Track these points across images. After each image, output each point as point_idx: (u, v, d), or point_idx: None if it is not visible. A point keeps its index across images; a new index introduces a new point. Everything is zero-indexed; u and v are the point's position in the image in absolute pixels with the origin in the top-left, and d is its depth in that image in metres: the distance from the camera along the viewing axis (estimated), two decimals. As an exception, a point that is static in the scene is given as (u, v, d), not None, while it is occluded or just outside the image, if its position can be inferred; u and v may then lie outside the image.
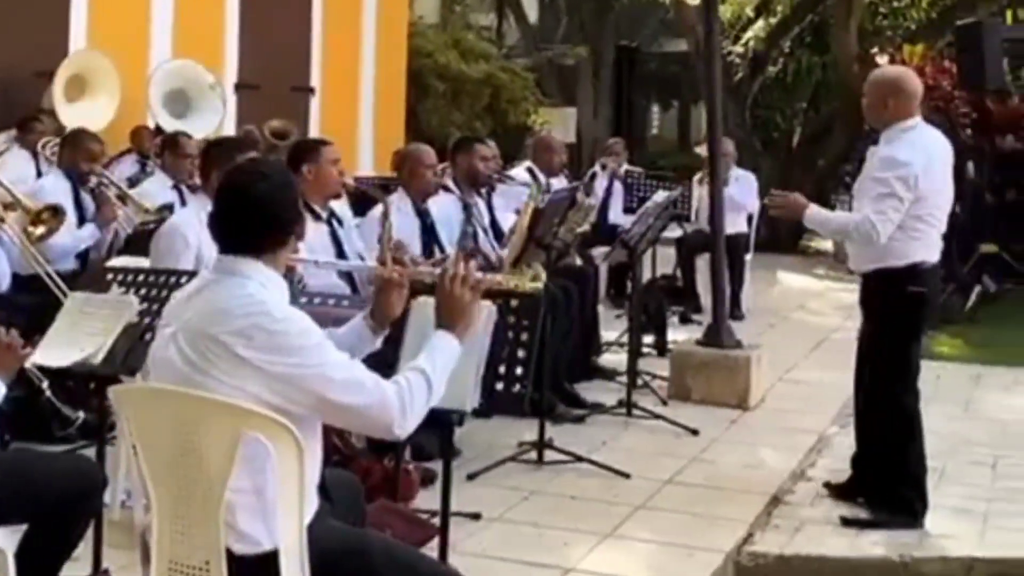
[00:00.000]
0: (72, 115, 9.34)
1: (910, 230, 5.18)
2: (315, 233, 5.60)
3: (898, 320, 5.30)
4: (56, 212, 6.46)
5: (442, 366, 3.14)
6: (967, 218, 11.27)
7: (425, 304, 3.49)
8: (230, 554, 2.95)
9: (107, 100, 9.86)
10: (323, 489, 3.21)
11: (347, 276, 5.79)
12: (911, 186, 5.11)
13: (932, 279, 5.35)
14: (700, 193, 9.81)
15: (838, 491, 5.69)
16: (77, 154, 7.01)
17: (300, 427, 2.99)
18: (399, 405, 3.01)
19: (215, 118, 10.67)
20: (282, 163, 3.46)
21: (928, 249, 5.28)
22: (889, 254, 5.21)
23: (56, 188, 6.85)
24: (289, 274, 3.43)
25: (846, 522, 5.35)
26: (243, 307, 2.97)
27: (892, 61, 13.97)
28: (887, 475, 5.40)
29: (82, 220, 6.93)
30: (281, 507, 2.95)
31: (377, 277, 3.45)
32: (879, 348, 5.39)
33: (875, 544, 5.16)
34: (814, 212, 5.45)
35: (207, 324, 2.97)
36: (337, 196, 5.98)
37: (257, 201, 3.07)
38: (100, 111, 9.71)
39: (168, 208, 7.18)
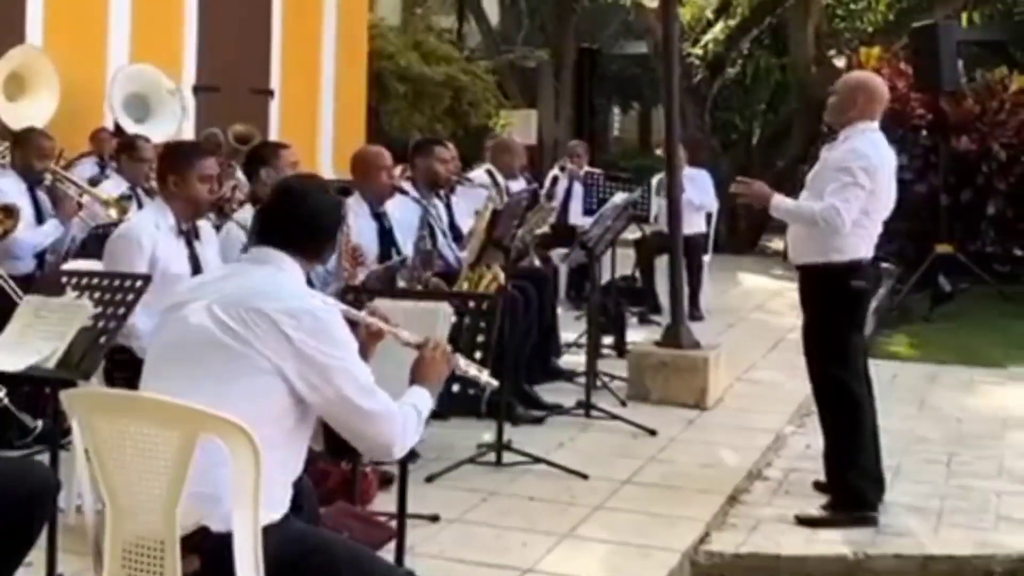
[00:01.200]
0: (13, 114, 9.25)
1: (856, 226, 5.32)
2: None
3: (840, 313, 5.44)
4: (10, 212, 6.42)
5: (423, 413, 3.33)
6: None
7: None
8: (207, 531, 2.99)
9: (48, 96, 9.75)
10: (296, 495, 3.23)
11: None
12: (871, 177, 5.27)
13: (870, 274, 5.52)
14: (660, 203, 9.78)
15: (828, 489, 5.74)
16: (29, 153, 6.97)
17: (299, 427, 3.13)
18: (402, 423, 3.20)
19: (174, 123, 10.61)
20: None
21: (868, 246, 5.45)
22: (833, 249, 5.36)
23: (11, 190, 6.80)
24: None
25: (800, 521, 5.40)
26: (293, 291, 3.16)
27: (849, 63, 14.09)
28: (839, 466, 5.47)
29: (40, 219, 6.90)
30: (236, 506, 2.95)
31: (363, 328, 3.53)
32: (823, 341, 5.51)
33: (830, 542, 5.20)
34: (779, 200, 5.56)
35: (253, 299, 3.09)
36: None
37: (311, 207, 3.30)
38: (41, 108, 9.60)
39: (127, 198, 7.17)
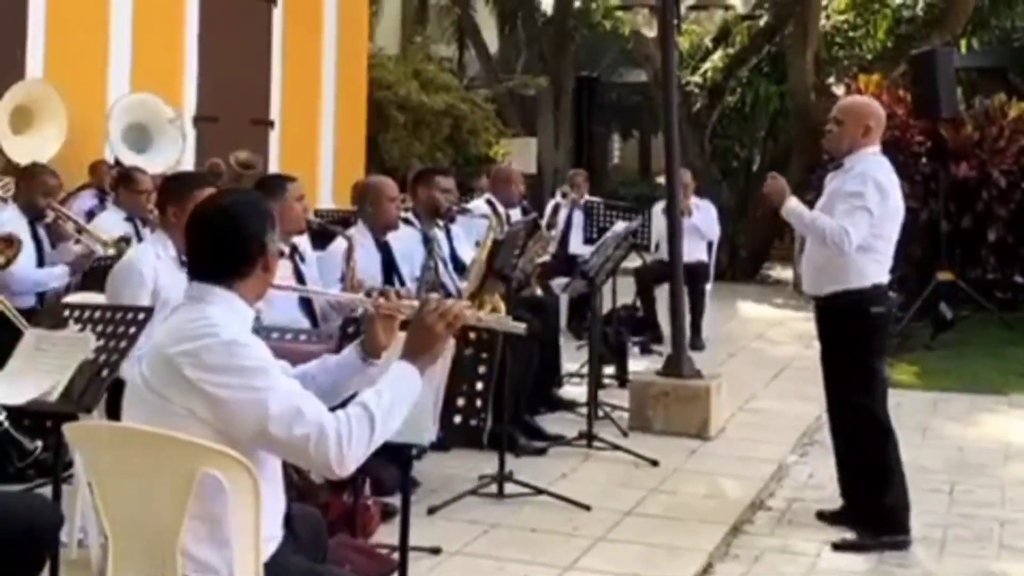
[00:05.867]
0: (18, 147, 9.23)
1: (871, 251, 5.36)
2: (278, 269, 5.58)
3: (862, 340, 5.43)
4: (11, 242, 6.43)
5: (395, 399, 3.06)
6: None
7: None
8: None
9: (55, 132, 9.73)
10: (288, 523, 3.21)
11: (307, 309, 5.79)
12: (882, 200, 5.30)
13: (888, 299, 5.53)
14: (661, 231, 9.75)
15: (832, 518, 5.74)
16: (34, 189, 6.99)
17: (260, 460, 3.00)
18: (336, 440, 2.92)
19: (174, 152, 10.61)
20: (249, 196, 3.40)
21: (884, 269, 5.46)
22: (851, 275, 5.38)
23: (12, 223, 6.81)
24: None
25: (836, 547, 5.40)
26: (196, 328, 2.99)
27: (848, 90, 14.10)
28: (874, 492, 5.47)
29: (40, 254, 6.90)
30: (237, 542, 2.95)
31: (364, 309, 3.43)
32: (845, 369, 5.50)
33: (833, 572, 5.19)
34: (794, 204, 5.58)
35: (164, 345, 3.00)
36: (300, 232, 5.98)
37: (211, 233, 3.13)
38: (48, 143, 9.59)
39: (126, 240, 7.16)
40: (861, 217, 5.28)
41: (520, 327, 3.44)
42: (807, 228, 5.54)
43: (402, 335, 3.30)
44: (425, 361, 3.17)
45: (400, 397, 3.08)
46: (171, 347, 2.97)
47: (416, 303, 3.32)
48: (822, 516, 5.78)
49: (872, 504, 5.48)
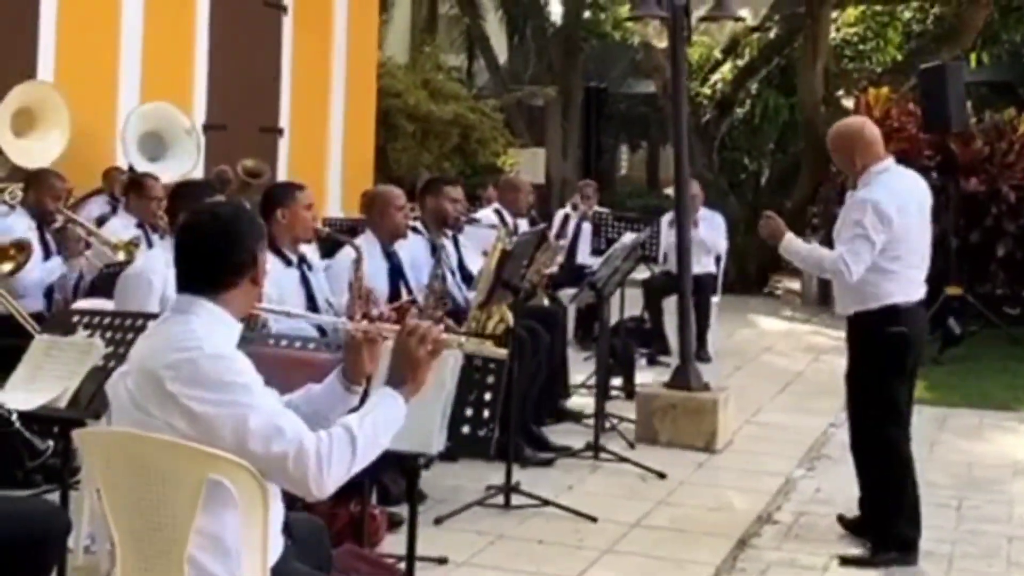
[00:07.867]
0: (21, 150, 9.20)
1: (886, 272, 5.32)
2: (285, 277, 5.60)
3: (880, 360, 5.41)
4: (22, 247, 6.45)
5: (379, 425, 3.03)
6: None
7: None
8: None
9: (58, 135, 9.67)
10: (287, 529, 3.21)
11: (316, 318, 5.78)
12: (884, 226, 5.24)
13: (913, 318, 5.45)
14: (669, 242, 9.74)
15: (852, 526, 5.75)
16: (43, 193, 7.00)
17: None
18: (315, 460, 2.91)
19: (189, 162, 10.58)
20: (242, 207, 3.38)
21: (905, 289, 5.39)
22: (868, 296, 5.36)
23: (21, 228, 6.83)
24: (251, 320, 3.40)
25: (844, 561, 5.39)
26: (179, 341, 2.97)
27: (858, 103, 14.10)
28: (885, 511, 5.45)
29: (47, 259, 6.91)
30: (245, 550, 2.95)
31: (345, 334, 3.41)
32: (864, 387, 5.50)
33: (840, 587, 5.19)
34: (789, 241, 5.60)
35: (148, 359, 2.99)
36: (308, 241, 5.98)
37: (204, 241, 3.09)
38: (51, 146, 9.53)
39: (135, 243, 7.17)
40: (861, 246, 5.26)
41: (502, 353, 3.43)
42: (805, 262, 5.68)
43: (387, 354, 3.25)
44: (410, 388, 3.13)
45: (384, 423, 3.05)
46: (154, 360, 2.96)
47: (397, 327, 3.27)
48: (843, 520, 5.79)
49: (883, 523, 5.46)
